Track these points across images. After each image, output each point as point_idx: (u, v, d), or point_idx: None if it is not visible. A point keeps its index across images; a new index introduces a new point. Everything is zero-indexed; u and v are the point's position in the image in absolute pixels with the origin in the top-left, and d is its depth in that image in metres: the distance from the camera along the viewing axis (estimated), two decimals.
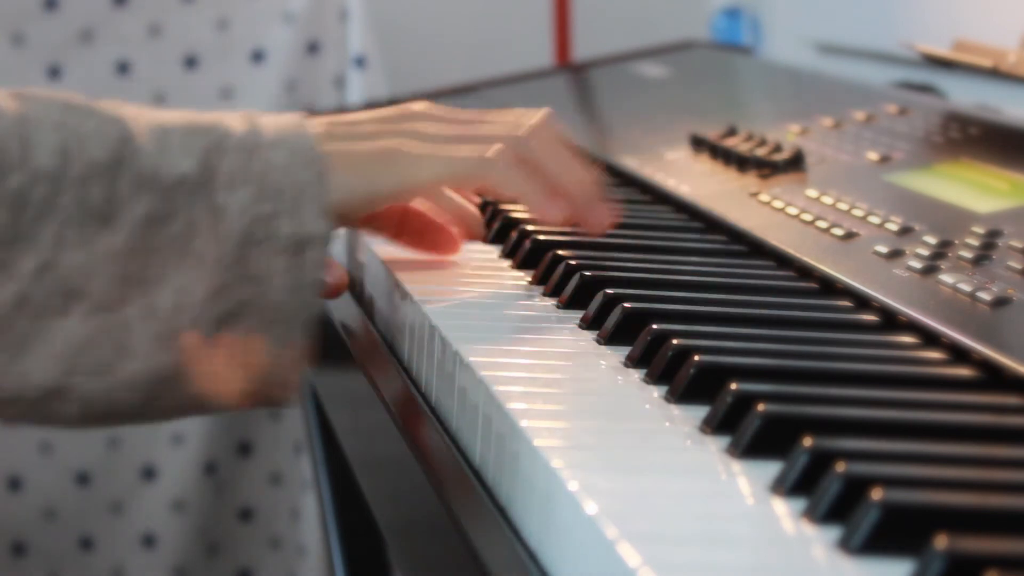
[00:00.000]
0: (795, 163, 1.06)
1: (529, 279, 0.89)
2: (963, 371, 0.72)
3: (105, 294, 0.78)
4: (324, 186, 0.81)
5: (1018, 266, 0.79)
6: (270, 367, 0.81)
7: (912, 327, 0.77)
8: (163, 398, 0.80)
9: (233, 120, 0.83)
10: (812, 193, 0.99)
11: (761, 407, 0.62)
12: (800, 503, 0.56)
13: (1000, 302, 0.75)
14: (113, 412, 0.80)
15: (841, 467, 0.55)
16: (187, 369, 0.80)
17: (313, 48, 1.74)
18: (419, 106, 0.89)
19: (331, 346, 0.93)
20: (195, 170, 0.80)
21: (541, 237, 0.93)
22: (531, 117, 0.88)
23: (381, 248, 0.94)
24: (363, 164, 0.84)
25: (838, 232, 0.91)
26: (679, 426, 0.65)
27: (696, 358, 0.68)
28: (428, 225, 0.93)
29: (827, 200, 0.97)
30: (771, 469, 0.59)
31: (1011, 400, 0.68)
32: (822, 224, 0.93)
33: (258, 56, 1.73)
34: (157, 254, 0.79)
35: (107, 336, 0.79)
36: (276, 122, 0.84)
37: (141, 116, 0.82)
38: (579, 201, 0.87)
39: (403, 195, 0.85)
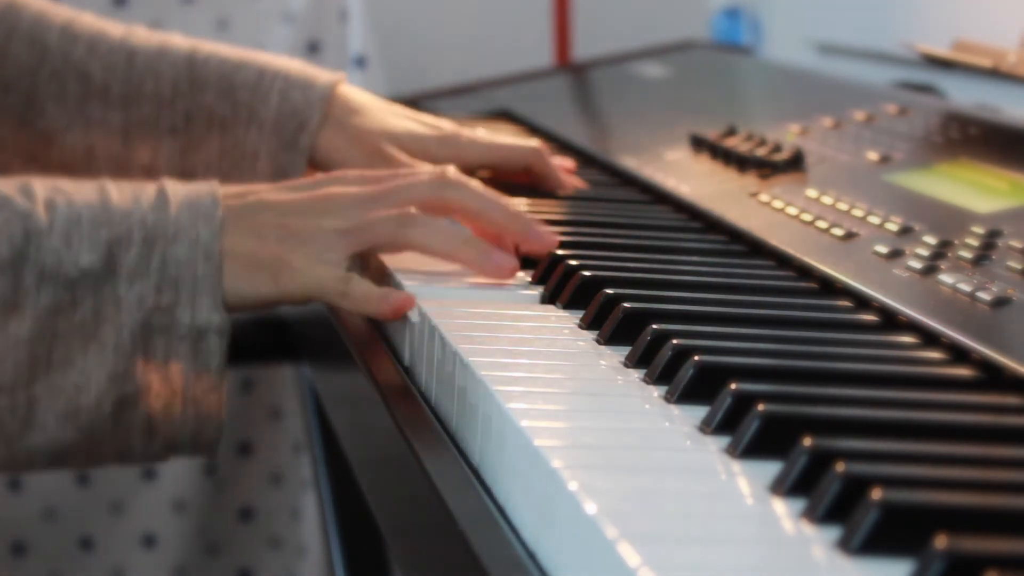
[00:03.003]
0: (795, 163, 1.06)
1: (529, 279, 0.89)
2: (963, 371, 0.72)
3: (11, 376, 0.85)
4: (219, 279, 0.86)
5: (1018, 266, 0.79)
6: (183, 435, 0.88)
7: (912, 327, 0.77)
8: (69, 462, 0.87)
9: (146, 204, 0.87)
10: (812, 193, 0.99)
11: (761, 407, 0.62)
12: (800, 503, 0.56)
13: (1000, 302, 0.75)
14: (18, 470, 0.89)
15: (841, 467, 0.55)
16: (92, 441, 0.86)
17: (313, 48, 1.74)
18: (343, 174, 0.91)
19: (331, 346, 0.93)
20: (98, 264, 0.85)
21: None
22: (442, 170, 0.91)
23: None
24: (252, 270, 0.87)
25: (838, 232, 0.91)
26: (679, 426, 0.65)
27: (696, 358, 0.68)
28: None
29: (827, 200, 0.97)
30: (771, 469, 0.59)
31: (1011, 400, 0.68)
32: (822, 224, 0.93)
33: None
34: (63, 339, 0.85)
35: (12, 413, 0.85)
36: (189, 204, 0.87)
37: (56, 202, 0.86)
38: (517, 231, 0.90)
39: (287, 302, 0.89)
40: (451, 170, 0.91)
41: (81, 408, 0.85)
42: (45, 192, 0.87)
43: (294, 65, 1.12)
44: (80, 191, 0.88)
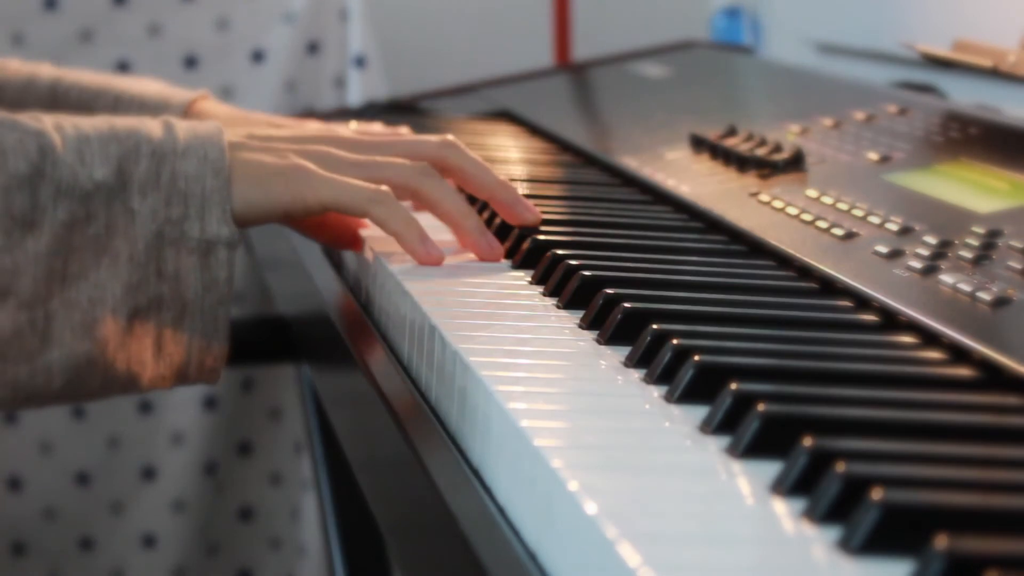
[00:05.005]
0: (795, 163, 1.06)
1: (529, 279, 0.89)
2: (963, 371, 0.72)
3: (31, 291, 0.87)
4: (228, 193, 0.89)
5: (1018, 266, 0.79)
6: (190, 353, 0.91)
7: (912, 327, 0.77)
8: (84, 381, 0.89)
9: (152, 126, 0.91)
10: (812, 193, 0.99)
11: (761, 407, 0.62)
12: (800, 503, 0.56)
13: (1000, 302, 0.75)
14: (37, 394, 0.89)
15: (841, 467, 0.55)
16: (106, 356, 0.89)
17: (313, 48, 1.74)
18: (340, 130, 0.98)
19: (331, 346, 0.93)
20: (110, 177, 0.88)
21: (541, 237, 0.93)
22: (433, 139, 0.97)
23: (382, 249, 0.94)
24: (264, 178, 0.91)
25: (838, 232, 0.91)
26: (679, 426, 0.65)
27: (696, 358, 0.68)
28: (345, 224, 1.00)
29: (827, 200, 0.97)
30: (771, 469, 0.59)
31: (1011, 400, 0.68)
32: (822, 224, 0.93)
33: (258, 56, 1.73)
34: (78, 253, 0.88)
35: (31, 327, 0.87)
36: (193, 130, 0.92)
37: (63, 125, 0.90)
38: (505, 199, 0.96)
39: (296, 212, 0.92)
40: (453, 137, 0.98)
41: (96, 320, 0.88)
42: (51, 118, 0.90)
43: (152, 87, 1.18)
44: (83, 120, 0.91)
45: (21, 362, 0.87)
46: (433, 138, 0.97)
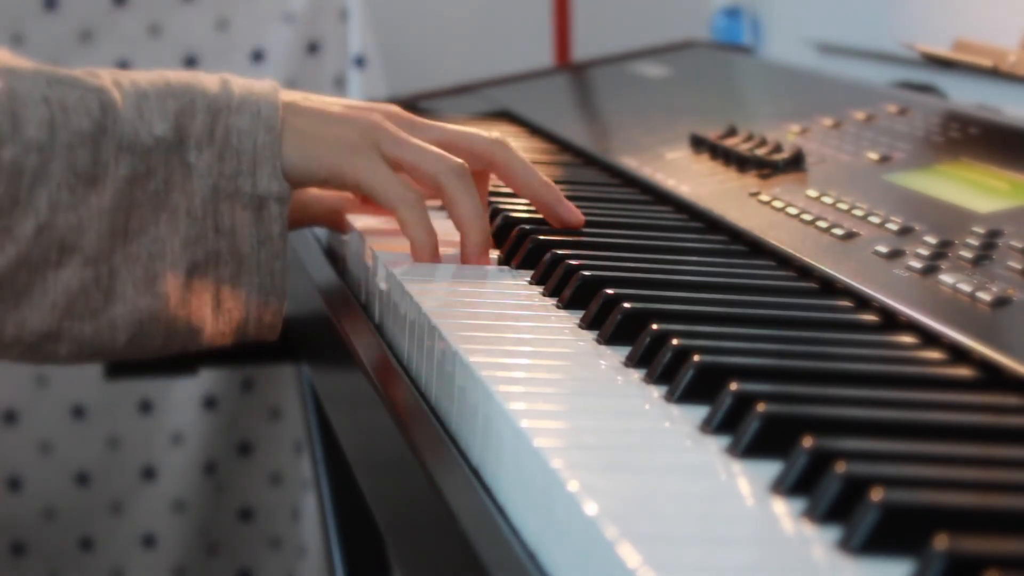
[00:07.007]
0: (795, 163, 1.06)
1: (529, 279, 0.89)
2: (963, 371, 0.72)
3: (95, 247, 0.88)
4: (279, 150, 0.91)
5: (1018, 266, 0.79)
6: (248, 309, 0.92)
7: (912, 327, 0.77)
8: (147, 336, 0.91)
9: (208, 81, 0.92)
10: (812, 193, 0.99)
11: (761, 407, 0.62)
12: (800, 503, 0.56)
13: (1000, 302, 0.75)
14: (100, 350, 0.90)
15: (841, 467, 0.55)
16: (167, 311, 0.90)
17: (313, 48, 1.74)
18: (390, 107, 0.97)
19: (331, 346, 0.93)
20: (169, 132, 0.89)
21: (541, 237, 0.93)
22: (485, 134, 0.97)
23: (383, 249, 0.94)
24: (309, 145, 0.92)
25: (838, 232, 0.91)
26: (679, 426, 0.65)
27: (696, 358, 0.68)
28: (342, 205, 1.01)
29: (827, 200, 0.97)
30: (771, 469, 0.59)
31: (1011, 400, 0.68)
32: (822, 224, 0.93)
33: (258, 56, 1.73)
34: (138, 209, 0.89)
35: (96, 284, 0.89)
36: (249, 87, 0.93)
37: (121, 81, 0.91)
38: (548, 200, 0.96)
39: (333, 184, 0.93)
40: (503, 137, 0.98)
41: (157, 275, 0.89)
42: (109, 74, 0.91)
43: None
44: (139, 74, 0.92)
45: (87, 318, 0.89)
46: (485, 133, 0.97)
